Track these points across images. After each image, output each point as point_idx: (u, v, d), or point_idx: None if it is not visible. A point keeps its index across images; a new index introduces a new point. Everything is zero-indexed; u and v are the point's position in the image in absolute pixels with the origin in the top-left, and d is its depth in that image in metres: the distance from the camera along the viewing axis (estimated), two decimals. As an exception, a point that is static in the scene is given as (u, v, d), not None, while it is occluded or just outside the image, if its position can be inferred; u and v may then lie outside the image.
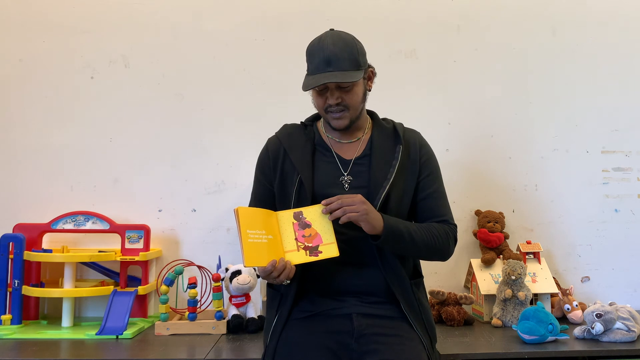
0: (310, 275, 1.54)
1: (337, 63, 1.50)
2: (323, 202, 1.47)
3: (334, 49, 1.50)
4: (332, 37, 1.54)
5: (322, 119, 1.71)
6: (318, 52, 1.52)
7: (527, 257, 2.26)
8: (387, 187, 1.52)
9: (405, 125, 1.71)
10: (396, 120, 1.73)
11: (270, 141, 1.70)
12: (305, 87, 1.53)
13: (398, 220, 1.51)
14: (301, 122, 1.73)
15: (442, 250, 1.57)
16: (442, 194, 1.65)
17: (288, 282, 1.48)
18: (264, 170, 1.66)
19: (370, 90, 1.65)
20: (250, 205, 1.70)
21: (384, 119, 1.72)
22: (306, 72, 1.58)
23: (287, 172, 1.60)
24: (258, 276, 2.11)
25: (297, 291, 1.54)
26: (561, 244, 2.39)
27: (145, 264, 2.18)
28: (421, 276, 1.66)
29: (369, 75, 1.63)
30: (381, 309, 1.53)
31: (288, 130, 1.69)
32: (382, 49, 2.40)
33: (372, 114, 1.72)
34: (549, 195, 2.40)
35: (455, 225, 1.63)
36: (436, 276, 2.32)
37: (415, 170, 1.61)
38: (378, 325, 1.48)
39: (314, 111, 1.72)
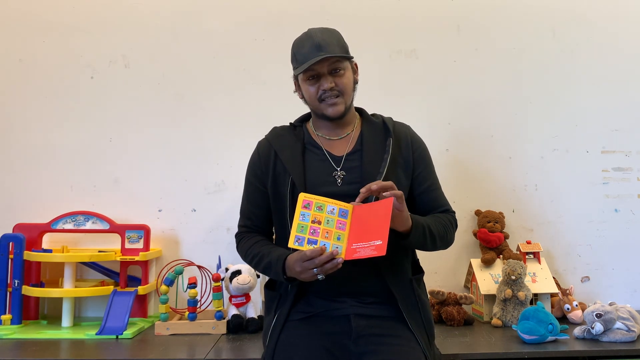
0: None
1: (327, 47, 1.53)
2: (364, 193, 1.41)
3: (322, 36, 1.55)
4: (317, 29, 1.58)
5: (310, 120, 1.71)
6: (307, 41, 1.56)
7: (527, 257, 2.26)
8: (381, 180, 1.51)
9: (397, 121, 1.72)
10: (396, 119, 1.72)
11: (260, 144, 1.70)
12: (300, 69, 1.54)
13: (417, 216, 1.51)
14: (290, 123, 1.73)
15: (450, 239, 1.61)
16: (438, 184, 1.68)
17: (323, 277, 1.41)
18: (256, 173, 1.66)
19: (357, 83, 1.66)
20: (244, 209, 1.69)
21: (373, 115, 1.72)
22: (295, 67, 1.60)
23: (279, 173, 1.60)
24: (258, 276, 2.12)
25: (297, 292, 1.54)
26: (561, 244, 2.39)
27: (145, 264, 2.18)
28: (422, 272, 1.67)
29: (354, 67, 1.65)
30: (379, 309, 1.52)
31: (277, 132, 1.70)
32: (382, 49, 2.39)
33: (360, 110, 1.73)
34: (549, 195, 2.40)
35: (454, 212, 1.67)
36: (436, 276, 2.32)
37: (408, 166, 1.62)
38: (376, 326, 1.48)
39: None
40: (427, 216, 1.59)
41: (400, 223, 1.43)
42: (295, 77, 1.64)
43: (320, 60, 1.52)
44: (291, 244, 1.40)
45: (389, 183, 1.41)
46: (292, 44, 1.62)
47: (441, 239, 1.56)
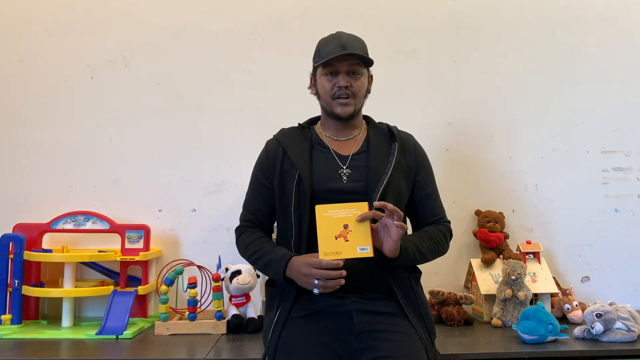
0: None
1: (351, 48, 1.59)
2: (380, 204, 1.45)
3: (349, 38, 1.62)
4: (346, 33, 1.65)
5: (319, 122, 1.75)
6: (333, 40, 1.62)
7: (527, 257, 2.26)
8: (386, 180, 1.57)
9: (403, 126, 1.77)
10: (396, 119, 1.78)
11: (269, 143, 1.74)
12: (321, 61, 1.59)
13: (408, 240, 1.53)
14: (299, 124, 1.76)
15: (443, 250, 1.66)
16: (437, 193, 1.74)
17: (318, 292, 1.44)
18: (263, 171, 1.69)
19: (369, 92, 1.72)
20: (247, 204, 1.70)
21: (379, 123, 1.78)
22: (316, 62, 1.64)
23: (286, 170, 1.63)
24: (258, 276, 2.12)
25: (299, 289, 1.55)
26: (561, 244, 2.39)
27: (145, 264, 2.18)
28: (419, 271, 1.69)
29: (370, 77, 1.71)
30: (381, 305, 1.54)
31: (286, 132, 1.74)
32: (382, 49, 2.39)
33: (367, 118, 1.78)
34: (549, 195, 2.40)
35: (449, 221, 1.72)
36: (436, 276, 2.32)
37: (411, 171, 1.67)
38: (378, 322, 1.49)
39: (314, 112, 1.76)
40: (419, 232, 1.65)
41: (390, 250, 1.46)
42: (313, 74, 1.70)
43: (342, 57, 1.58)
44: (322, 257, 1.41)
45: (401, 213, 1.45)
46: (318, 41, 1.67)
47: (432, 254, 1.61)
